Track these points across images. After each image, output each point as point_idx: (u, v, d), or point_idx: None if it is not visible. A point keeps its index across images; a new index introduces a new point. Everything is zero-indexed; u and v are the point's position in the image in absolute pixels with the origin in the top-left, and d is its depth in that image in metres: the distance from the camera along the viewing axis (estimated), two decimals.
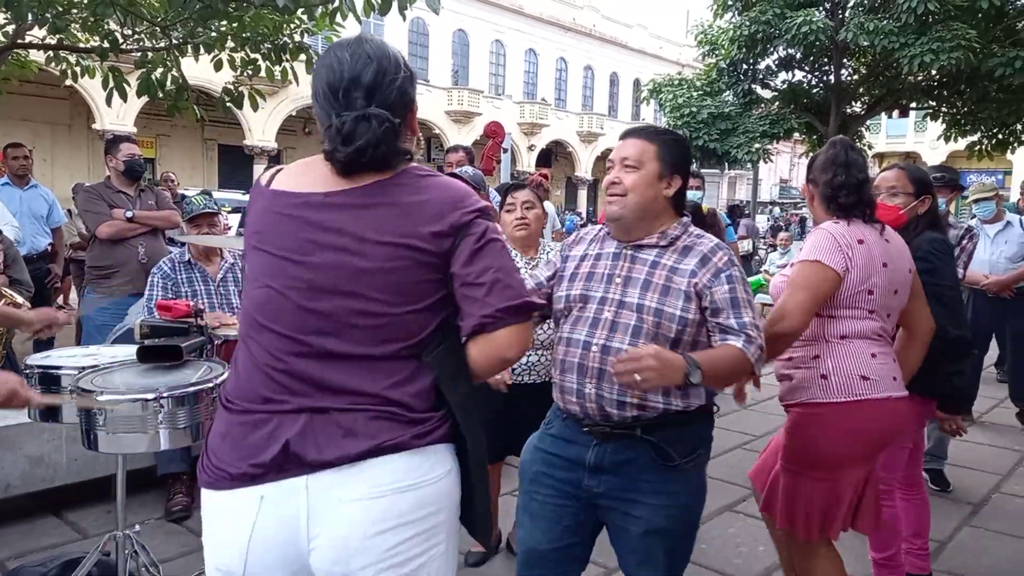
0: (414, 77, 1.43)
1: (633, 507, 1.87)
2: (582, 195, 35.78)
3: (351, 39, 1.41)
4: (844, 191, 2.26)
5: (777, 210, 25.79)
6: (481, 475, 1.42)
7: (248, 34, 5.95)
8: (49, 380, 2.35)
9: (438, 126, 29.17)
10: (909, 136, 32.74)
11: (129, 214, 4.33)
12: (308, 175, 1.39)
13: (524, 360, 2.83)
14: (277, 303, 1.33)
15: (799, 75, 15.90)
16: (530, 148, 32.13)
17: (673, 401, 1.82)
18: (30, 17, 5.18)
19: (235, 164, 24.68)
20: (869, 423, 2.20)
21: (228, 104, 6.37)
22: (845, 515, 2.26)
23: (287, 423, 1.30)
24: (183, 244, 4.97)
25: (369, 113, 1.32)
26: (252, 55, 6.19)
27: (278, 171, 1.46)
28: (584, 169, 35.21)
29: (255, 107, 6.52)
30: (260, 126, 23.75)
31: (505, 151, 6.24)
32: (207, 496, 1.36)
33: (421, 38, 29.00)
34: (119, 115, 19.43)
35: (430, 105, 28.66)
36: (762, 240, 20.30)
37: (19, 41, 6.10)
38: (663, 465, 1.84)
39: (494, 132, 4.54)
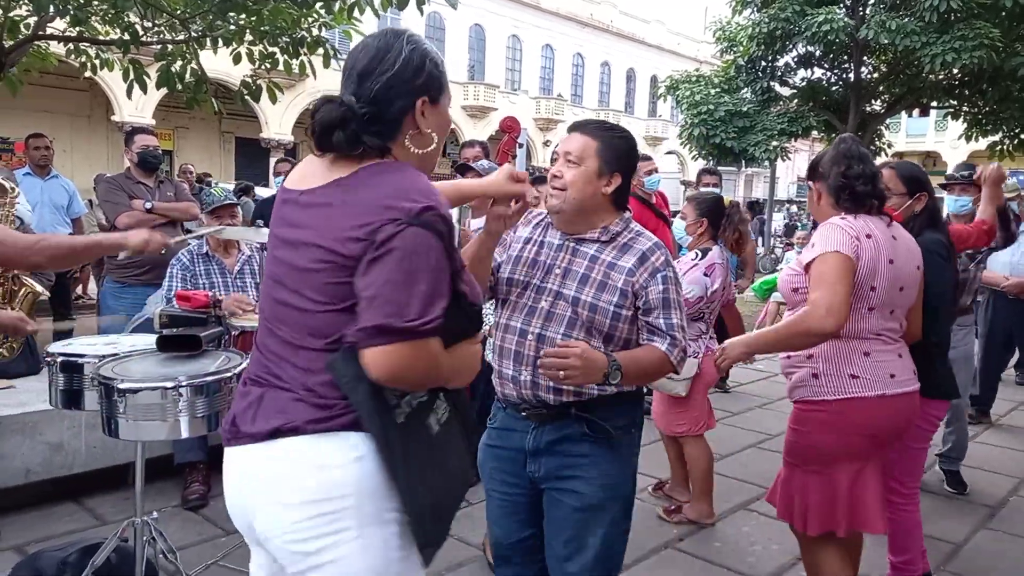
0: (428, 79, 1.39)
1: (568, 482, 1.91)
2: None
3: (386, 31, 1.43)
4: (860, 180, 2.26)
5: (794, 208, 25.60)
6: (402, 473, 1.33)
7: (266, 27, 5.97)
8: (71, 368, 2.38)
9: (454, 121, 29.15)
10: (929, 135, 32.43)
11: (148, 205, 4.37)
12: (305, 171, 1.45)
13: None
14: (263, 291, 1.48)
15: (818, 73, 15.76)
16: (546, 144, 32.07)
17: (607, 386, 1.86)
18: (51, 9, 5.22)
19: (252, 157, 24.82)
20: (859, 420, 2.24)
21: (246, 97, 6.40)
22: (846, 512, 2.26)
23: (248, 397, 1.42)
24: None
25: (334, 96, 1.36)
26: (270, 48, 6.22)
27: (294, 167, 1.53)
28: None
29: (273, 100, 6.55)
30: (277, 119, 23.86)
31: (521, 146, 6.21)
32: None
33: (438, 32, 28.99)
34: (138, 107, 19.59)
35: None
36: (779, 239, 20.18)
37: (40, 33, 6.15)
38: (597, 438, 1.90)
39: (510, 127, 4.50)
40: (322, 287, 1.32)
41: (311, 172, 1.42)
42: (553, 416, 1.92)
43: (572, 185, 1.90)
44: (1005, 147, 14.80)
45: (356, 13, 5.76)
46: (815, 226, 2.49)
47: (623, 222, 1.97)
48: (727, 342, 2.39)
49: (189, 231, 5.84)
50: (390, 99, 1.36)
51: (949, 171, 4.29)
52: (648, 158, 5.75)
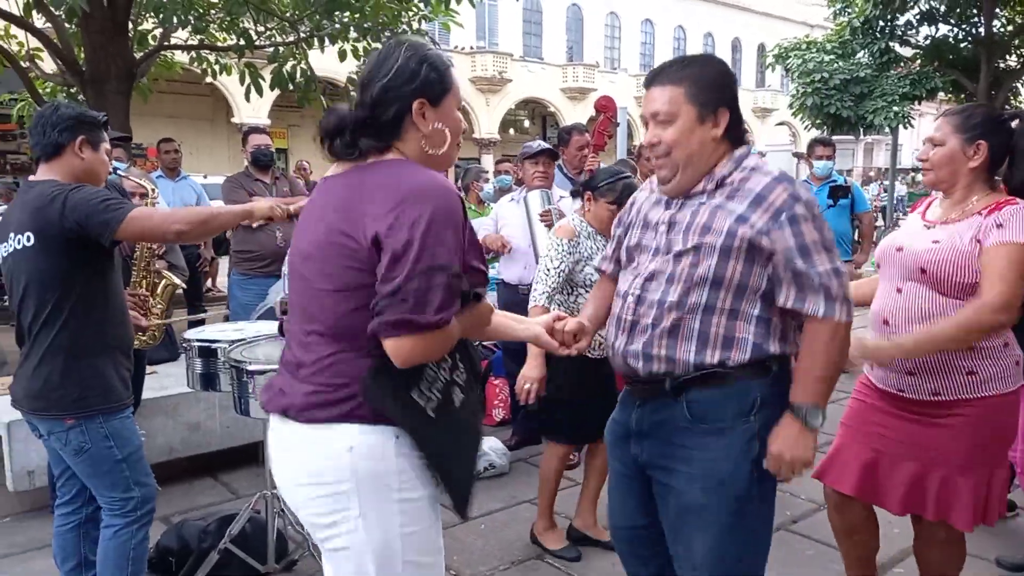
0: (424, 82, 1.46)
1: (669, 475, 1.71)
2: None
3: (393, 41, 1.54)
4: None
5: (920, 176, 23.83)
6: (437, 462, 1.45)
7: (369, 24, 6.18)
8: (206, 353, 2.59)
9: (553, 104, 29.08)
10: None
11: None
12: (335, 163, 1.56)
13: None
14: (290, 275, 1.58)
15: (944, 29, 14.64)
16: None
17: (707, 358, 1.64)
18: (175, 21, 5.61)
19: None
20: (1011, 414, 2.14)
21: (352, 93, 6.64)
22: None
23: (279, 377, 1.55)
24: None
25: (333, 109, 1.50)
26: (373, 44, 6.43)
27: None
28: None
29: None
30: None
31: (617, 125, 6.14)
32: None
33: (535, 15, 28.92)
34: (254, 108, 20.67)
35: (545, 83, 28.56)
36: (902, 212, 18.97)
37: (165, 44, 6.63)
38: (697, 426, 1.66)
39: (604, 107, 4.47)
40: (331, 271, 1.40)
41: (331, 170, 1.54)
42: (649, 392, 1.73)
43: (676, 145, 1.66)
44: None
45: (453, 4, 5.87)
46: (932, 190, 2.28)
47: (733, 162, 1.68)
48: (869, 343, 2.08)
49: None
50: (387, 103, 1.44)
51: None
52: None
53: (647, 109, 1.72)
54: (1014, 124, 2.15)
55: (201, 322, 5.58)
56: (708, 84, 1.67)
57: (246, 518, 2.68)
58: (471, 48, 26.08)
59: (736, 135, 1.70)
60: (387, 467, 1.41)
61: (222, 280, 8.52)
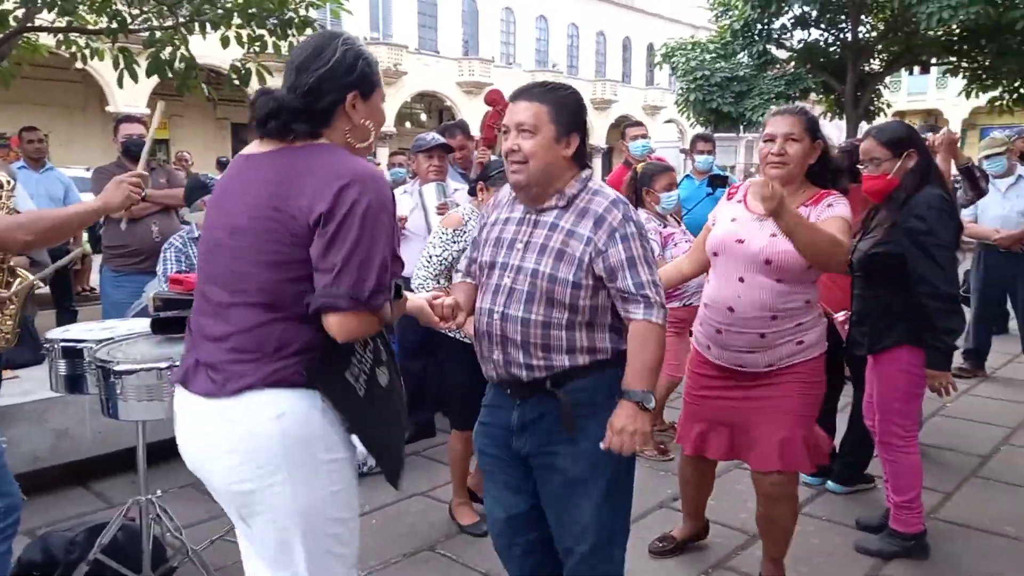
0: (359, 76, 1.54)
1: (552, 458, 1.92)
2: (596, 164, 35.52)
3: (326, 32, 1.60)
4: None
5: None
6: (369, 432, 1.55)
7: (253, 10, 5.97)
8: (71, 353, 2.44)
9: (449, 97, 28.99)
10: (931, 93, 32.06)
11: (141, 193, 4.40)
12: (255, 142, 1.60)
13: None
14: (201, 252, 1.63)
15: (815, 33, 15.62)
16: None
17: (579, 358, 1.88)
18: (39, 1, 5.23)
19: (248, 142, 24.79)
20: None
21: (235, 82, 6.41)
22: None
23: (190, 352, 1.59)
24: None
25: (269, 90, 1.53)
26: (258, 31, 6.21)
27: None
28: (598, 137, 34.89)
29: (263, 84, 6.55)
30: None
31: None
32: None
33: (430, 8, 28.71)
34: (132, 96, 19.51)
35: (440, 76, 28.41)
36: None
37: (28, 25, 6.16)
38: (575, 412, 1.88)
39: (494, 100, 4.52)
40: (263, 245, 1.44)
41: (252, 148, 1.59)
42: (531, 391, 1.92)
43: (533, 156, 1.85)
44: (1005, 102, 14.70)
45: None
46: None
47: (580, 183, 1.92)
48: (779, 189, 2.09)
49: (185, 222, 5.92)
50: (322, 92, 1.50)
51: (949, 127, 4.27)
52: (638, 123, 5.75)
53: (513, 118, 1.89)
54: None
55: (72, 319, 5.26)
56: (568, 109, 1.89)
57: (118, 526, 2.55)
58: (365, 39, 25.59)
59: (581, 159, 1.93)
60: (313, 431, 1.47)
61: (97, 279, 8.04)
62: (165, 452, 3.61)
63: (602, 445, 1.84)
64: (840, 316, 3.09)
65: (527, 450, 1.96)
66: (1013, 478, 3.64)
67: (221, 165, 9.13)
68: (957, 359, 5.47)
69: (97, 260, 6.79)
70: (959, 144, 3.78)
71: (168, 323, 2.45)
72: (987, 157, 5.11)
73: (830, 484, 3.50)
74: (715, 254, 2.45)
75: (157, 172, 4.63)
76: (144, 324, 2.71)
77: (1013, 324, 6.03)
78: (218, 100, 7.17)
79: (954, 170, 4.06)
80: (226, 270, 1.49)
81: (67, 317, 5.95)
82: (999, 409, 4.71)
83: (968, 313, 5.68)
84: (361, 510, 1.65)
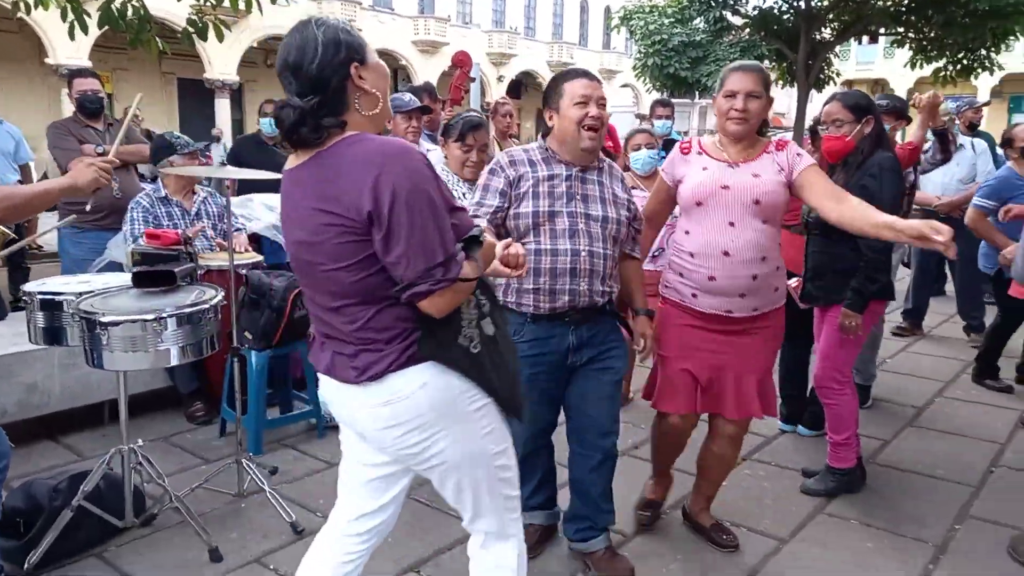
0: (348, 47, 1.55)
1: (608, 361, 2.44)
2: None
3: (296, 26, 1.59)
4: None
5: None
6: (487, 384, 1.65)
7: None
8: (51, 306, 2.46)
9: (405, 57, 28.51)
10: (878, 63, 32.75)
11: (99, 149, 4.33)
12: (291, 155, 1.64)
13: None
14: (294, 264, 1.72)
15: (770, 1, 15.79)
16: (499, 79, 31.64)
17: (614, 287, 2.43)
18: None
19: (195, 98, 24.02)
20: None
21: (193, 35, 6.25)
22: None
23: (324, 350, 1.70)
24: (154, 180, 5.00)
25: (287, 102, 1.55)
26: None
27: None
28: None
29: (220, 38, 6.38)
30: (221, 58, 23.05)
31: (473, 80, 6.21)
32: None
33: None
34: (75, 49, 18.71)
35: (395, 35, 27.92)
36: None
37: None
38: (618, 323, 2.49)
39: (461, 61, 4.55)
40: (331, 251, 1.52)
41: (291, 162, 1.63)
42: (590, 315, 2.36)
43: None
44: (948, 73, 15.11)
45: None
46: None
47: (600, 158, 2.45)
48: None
49: (143, 176, 5.81)
50: (327, 79, 1.54)
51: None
52: (644, 130, 5.80)
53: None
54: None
55: (24, 278, 5.16)
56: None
57: (101, 473, 2.60)
58: None
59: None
60: (454, 390, 1.60)
61: (45, 238, 7.81)
62: (136, 406, 3.66)
63: (636, 348, 2.51)
64: (793, 282, 3.22)
65: (583, 361, 2.40)
66: (945, 427, 3.93)
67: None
68: (897, 318, 5.82)
69: (43, 218, 6.63)
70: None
71: (150, 276, 2.49)
72: None
73: (801, 428, 3.82)
74: (698, 203, 2.47)
75: (114, 127, 4.55)
76: (121, 278, 2.74)
77: (950, 286, 6.39)
78: (167, 54, 6.95)
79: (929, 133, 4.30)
80: (317, 280, 1.59)
81: (19, 276, 5.82)
82: (934, 365, 5.02)
83: (908, 275, 6.02)
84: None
